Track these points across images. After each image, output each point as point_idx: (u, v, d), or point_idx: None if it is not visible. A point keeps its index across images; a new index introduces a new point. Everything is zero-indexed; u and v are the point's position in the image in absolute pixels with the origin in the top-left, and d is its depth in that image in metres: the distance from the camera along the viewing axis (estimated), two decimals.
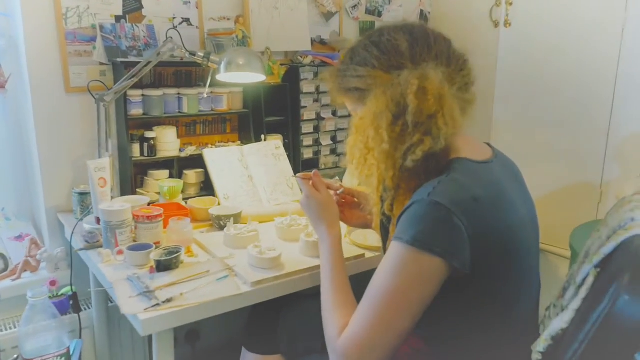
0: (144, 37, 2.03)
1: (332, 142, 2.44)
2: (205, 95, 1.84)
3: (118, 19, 2.01)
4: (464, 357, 1.11)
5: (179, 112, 2.09)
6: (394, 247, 1.03)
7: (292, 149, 2.34)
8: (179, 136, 2.13)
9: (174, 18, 2.12)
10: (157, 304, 1.31)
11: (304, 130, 2.34)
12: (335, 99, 1.22)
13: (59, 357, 1.50)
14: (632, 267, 0.90)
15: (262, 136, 2.21)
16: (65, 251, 1.96)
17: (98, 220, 1.68)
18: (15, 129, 2.09)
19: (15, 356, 1.56)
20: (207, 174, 2.04)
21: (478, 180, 1.07)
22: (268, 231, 1.80)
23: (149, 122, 2.05)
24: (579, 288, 0.98)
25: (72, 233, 1.76)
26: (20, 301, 1.68)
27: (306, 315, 1.53)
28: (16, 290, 1.90)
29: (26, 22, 1.85)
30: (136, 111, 1.98)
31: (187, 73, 2.14)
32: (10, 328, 1.92)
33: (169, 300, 1.33)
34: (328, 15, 2.54)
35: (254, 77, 1.84)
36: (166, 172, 2.07)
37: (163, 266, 1.49)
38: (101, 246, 1.64)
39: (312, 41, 2.49)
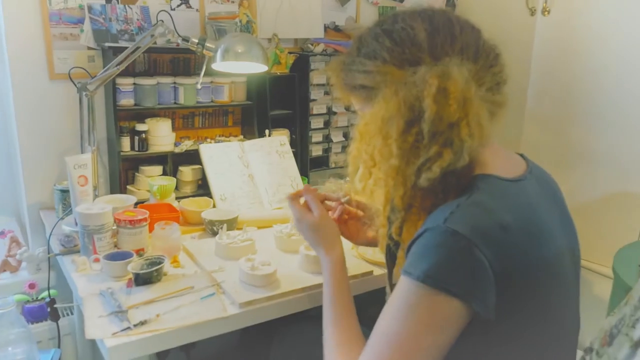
0: (138, 20, 1.85)
1: (344, 139, 2.24)
2: (199, 87, 1.66)
3: None
4: None
5: (175, 103, 1.91)
6: (403, 283, 0.84)
7: (300, 146, 2.15)
8: (174, 129, 1.95)
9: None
10: (128, 328, 1.13)
11: (313, 126, 2.15)
12: (340, 95, 1.02)
13: None
14: None
15: (267, 131, 2.02)
16: (47, 251, 1.80)
17: None
18: None
19: None
20: (204, 171, 1.85)
21: (507, 202, 0.87)
22: (266, 239, 1.61)
23: (140, 114, 1.87)
24: (636, 347, 0.77)
25: (51, 234, 1.59)
26: None
27: (304, 341, 1.34)
28: None
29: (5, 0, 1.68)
30: (127, 101, 1.80)
31: (184, 60, 1.95)
32: None
33: (142, 323, 1.15)
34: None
35: (255, 68, 1.64)
36: (159, 169, 1.89)
37: (142, 280, 1.31)
38: (79, 251, 1.48)
39: (325, 28, 2.28)
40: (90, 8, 1.78)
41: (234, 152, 1.90)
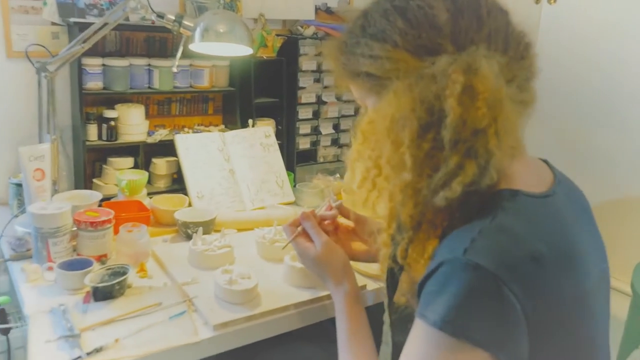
0: None
1: (334, 131, 2.06)
2: (176, 70, 1.47)
3: None
4: None
5: (149, 87, 1.72)
6: (419, 328, 0.68)
7: (286, 138, 1.97)
8: (148, 116, 1.76)
9: None
10: (79, 358, 0.96)
11: (300, 116, 1.97)
12: (339, 82, 0.85)
13: None
14: None
15: (250, 121, 1.84)
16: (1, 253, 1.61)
17: None
18: None
19: None
20: (180, 165, 1.67)
21: (539, 226, 0.71)
22: (246, 244, 1.44)
23: (110, 99, 1.68)
24: None
25: (1, 235, 1.40)
26: None
27: None
28: None
29: None
30: (94, 84, 1.61)
31: (161, 40, 1.76)
32: None
33: (97, 351, 0.98)
34: None
35: (238, 50, 1.45)
36: (129, 161, 1.71)
37: (102, 294, 1.14)
38: (32, 257, 1.29)
39: (317, 9, 2.10)
40: None
41: (213, 143, 1.72)
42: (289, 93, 1.93)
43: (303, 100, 1.96)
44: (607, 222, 1.95)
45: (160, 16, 1.42)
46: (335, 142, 2.09)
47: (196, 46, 1.42)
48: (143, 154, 1.70)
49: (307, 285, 1.24)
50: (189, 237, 1.44)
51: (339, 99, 2.03)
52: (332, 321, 1.25)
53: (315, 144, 2.04)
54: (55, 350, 0.98)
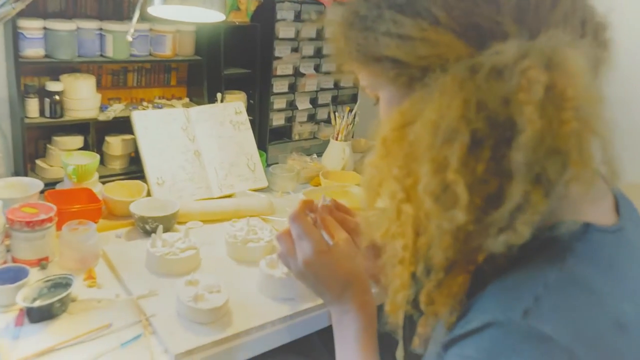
0: None
1: (311, 106, 1.86)
2: (130, 38, 1.24)
3: None
4: None
5: (101, 55, 1.48)
6: None
7: (258, 114, 1.76)
8: (100, 89, 1.53)
9: None
10: None
11: (275, 89, 1.76)
12: (346, 66, 0.65)
13: None
14: None
15: (219, 95, 1.63)
16: None
17: None
18: None
19: None
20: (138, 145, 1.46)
21: (620, 277, 0.54)
22: (214, 241, 1.25)
23: (54, 68, 1.44)
24: None
25: None
26: None
27: None
28: None
29: None
30: (34, 51, 1.36)
31: (116, 0, 1.51)
32: None
33: None
34: None
35: (207, 16, 1.23)
36: (78, 140, 1.48)
37: (38, 315, 0.95)
38: None
39: None
40: None
41: (176, 121, 1.50)
42: (263, 63, 1.71)
43: (278, 72, 1.74)
44: None
45: None
46: (312, 118, 1.89)
47: (156, 10, 1.20)
48: (94, 132, 1.47)
49: (286, 296, 1.07)
50: (147, 233, 1.25)
51: (317, 70, 1.83)
52: (317, 334, 1.09)
53: (290, 120, 1.84)
54: None
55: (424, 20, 0.53)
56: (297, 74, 1.79)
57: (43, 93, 1.40)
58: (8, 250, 1.10)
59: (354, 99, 1.95)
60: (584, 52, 0.49)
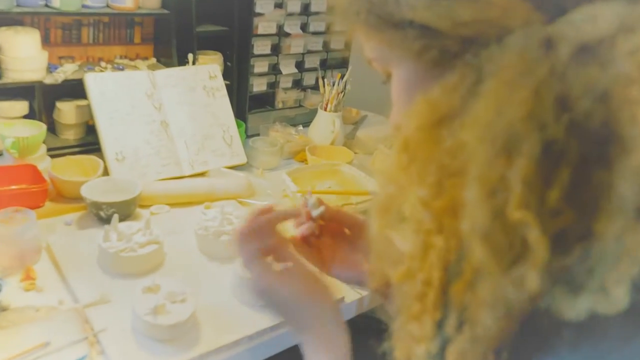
0: None
1: (296, 70, 1.65)
2: None
3: None
4: None
5: (47, 5, 1.24)
6: None
7: (237, 78, 1.55)
8: (48, 45, 1.30)
9: None
10: None
11: (256, 50, 1.54)
12: (351, 30, 0.46)
13: None
14: None
15: (190, 56, 1.40)
16: None
17: None
18: None
19: None
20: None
21: None
22: (182, 229, 1.06)
23: None
24: None
25: None
26: None
27: None
28: None
29: None
30: None
31: None
32: None
33: None
34: None
35: None
36: (22, 105, 1.25)
37: None
38: None
39: None
40: None
41: (139, 86, 1.28)
42: (242, 21, 1.49)
43: (260, 31, 1.52)
44: None
45: None
46: (297, 84, 1.68)
47: None
48: (41, 97, 1.25)
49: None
50: (102, 220, 1.05)
51: (304, 29, 1.61)
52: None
53: (273, 85, 1.63)
54: None
55: None
56: (281, 33, 1.57)
57: None
58: None
59: (345, 63, 1.74)
60: None
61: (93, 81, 1.22)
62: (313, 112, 1.59)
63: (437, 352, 0.45)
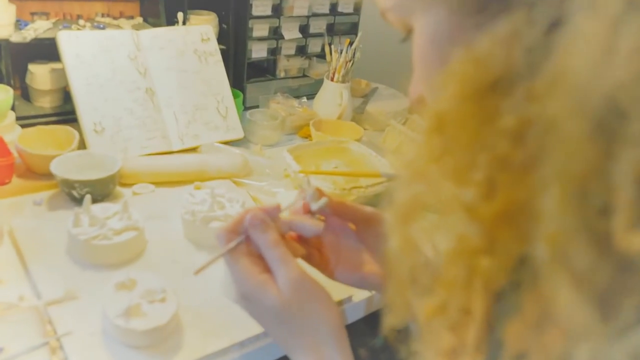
0: None
1: (300, 35, 1.50)
2: None
3: None
4: None
5: None
6: None
7: (233, 42, 1.40)
8: None
9: None
10: None
11: (255, 11, 1.39)
12: None
13: None
14: None
15: (180, 14, 1.25)
16: None
17: None
18: None
19: None
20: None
21: None
22: (169, 213, 0.93)
23: None
24: None
25: None
26: None
27: None
28: None
29: None
30: None
31: None
32: None
33: None
34: None
35: None
36: None
37: None
38: None
39: None
40: None
41: (121, 48, 1.14)
42: None
43: None
44: None
45: None
46: (301, 51, 1.53)
47: None
48: (10, 59, 1.10)
49: None
50: (76, 201, 0.92)
51: None
52: None
53: (274, 52, 1.48)
54: None
55: None
56: None
57: None
58: None
59: (354, 29, 1.58)
60: None
61: (67, 41, 1.07)
62: (319, 83, 1.44)
63: None
